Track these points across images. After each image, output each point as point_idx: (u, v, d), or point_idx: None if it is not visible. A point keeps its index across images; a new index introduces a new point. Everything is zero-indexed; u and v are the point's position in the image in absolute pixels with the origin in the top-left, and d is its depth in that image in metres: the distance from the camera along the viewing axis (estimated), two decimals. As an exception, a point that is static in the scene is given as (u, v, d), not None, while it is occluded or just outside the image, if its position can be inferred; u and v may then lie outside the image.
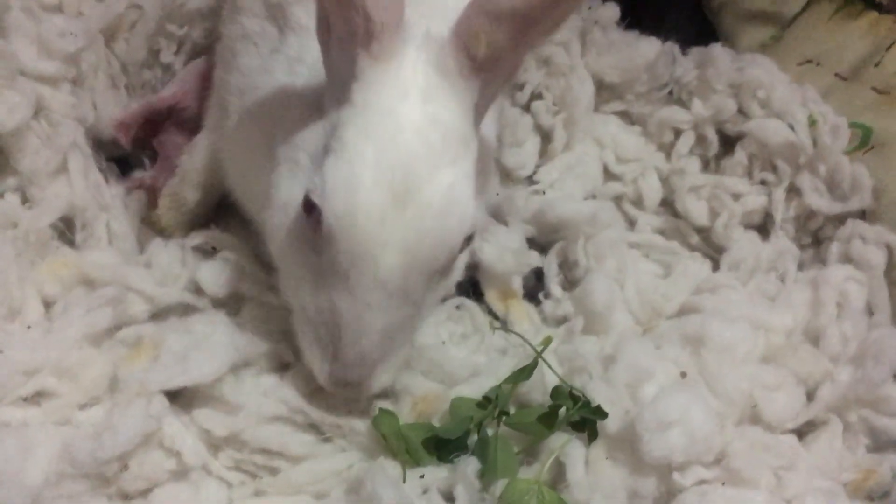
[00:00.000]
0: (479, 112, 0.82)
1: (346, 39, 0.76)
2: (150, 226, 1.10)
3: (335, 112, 0.79)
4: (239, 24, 0.97)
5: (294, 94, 0.87)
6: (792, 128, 1.24)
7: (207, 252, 1.02)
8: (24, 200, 1.02)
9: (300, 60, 0.89)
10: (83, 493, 0.78)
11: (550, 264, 1.18)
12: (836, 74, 1.30)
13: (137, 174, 1.17)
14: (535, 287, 1.17)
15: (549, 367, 0.98)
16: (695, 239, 1.28)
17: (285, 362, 0.95)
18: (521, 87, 1.33)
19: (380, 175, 0.74)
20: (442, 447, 0.88)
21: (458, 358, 0.98)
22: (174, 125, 1.18)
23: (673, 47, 1.35)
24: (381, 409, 0.88)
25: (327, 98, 0.82)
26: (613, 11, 1.38)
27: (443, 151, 0.77)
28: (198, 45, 1.24)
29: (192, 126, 1.15)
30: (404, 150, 0.75)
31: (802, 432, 1.00)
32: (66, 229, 1.03)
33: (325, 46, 0.80)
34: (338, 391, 0.84)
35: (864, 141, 1.21)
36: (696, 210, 1.27)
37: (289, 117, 0.85)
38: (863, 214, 1.17)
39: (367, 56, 0.76)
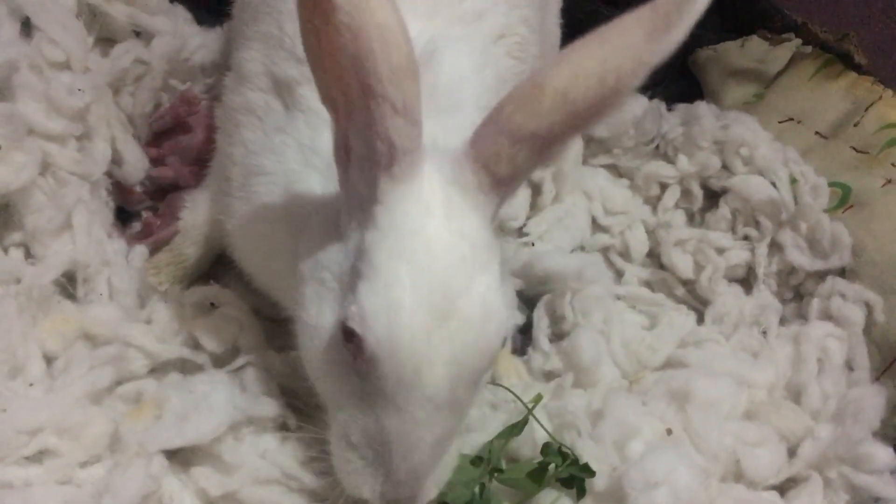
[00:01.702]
0: (497, 215, 0.84)
1: (366, 163, 0.76)
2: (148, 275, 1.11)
3: (357, 234, 0.79)
4: (242, 95, 0.98)
5: (315, 201, 0.87)
6: (774, 185, 1.29)
7: (206, 308, 1.05)
8: (28, 255, 1.04)
9: (314, 151, 0.89)
10: (83, 554, 0.79)
11: (540, 318, 1.21)
12: (817, 133, 1.35)
13: (137, 225, 1.20)
14: (522, 341, 1.20)
15: (541, 425, 1.00)
16: (680, 291, 1.32)
17: (285, 424, 0.97)
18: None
19: (418, 295, 0.74)
20: None
21: None
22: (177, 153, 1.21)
23: (659, 104, 1.39)
24: None
25: (345, 216, 0.82)
26: (601, 69, 1.42)
27: (473, 263, 0.78)
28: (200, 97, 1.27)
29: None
30: (438, 268, 0.76)
31: (784, 488, 1.03)
32: (68, 284, 1.04)
33: (344, 168, 0.80)
34: None
35: (843, 199, 1.25)
36: (682, 263, 1.31)
37: (309, 225, 0.86)
38: (842, 272, 1.21)
39: (389, 179, 0.76)
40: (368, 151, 0.75)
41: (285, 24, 0.96)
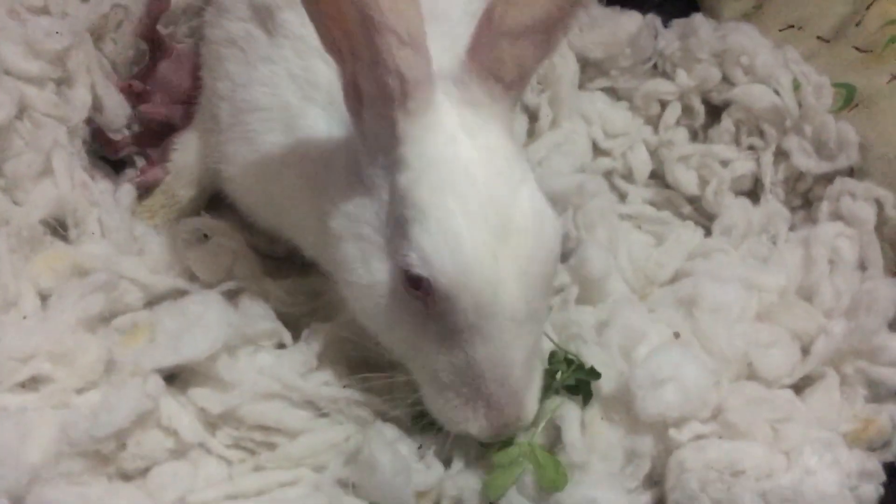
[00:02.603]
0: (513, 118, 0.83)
1: (380, 103, 0.75)
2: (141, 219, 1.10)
3: (386, 180, 0.78)
4: (222, 27, 0.96)
5: (323, 143, 0.85)
6: (777, 92, 1.25)
7: (199, 239, 1.03)
8: (14, 201, 1.03)
9: (309, 83, 0.87)
10: (82, 472, 0.79)
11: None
12: (819, 37, 1.31)
13: (131, 172, 1.19)
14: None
15: (546, 334, 0.98)
16: (686, 208, 1.29)
17: (281, 343, 0.96)
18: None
19: (472, 222, 0.74)
20: None
21: None
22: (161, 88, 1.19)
23: (654, 20, 1.36)
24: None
25: (366, 163, 0.80)
26: (594, -11, 1.40)
27: (511, 174, 0.77)
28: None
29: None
30: (482, 190, 0.75)
31: (800, 387, 1.00)
32: (60, 227, 1.03)
33: (356, 113, 0.78)
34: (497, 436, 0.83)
35: (848, 99, 1.21)
36: (686, 179, 1.28)
37: (326, 174, 0.84)
38: (851, 172, 1.18)
39: (406, 115, 0.75)
40: (380, 90, 0.74)
41: None
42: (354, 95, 0.77)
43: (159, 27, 1.18)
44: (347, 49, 0.74)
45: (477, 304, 0.75)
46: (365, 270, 0.81)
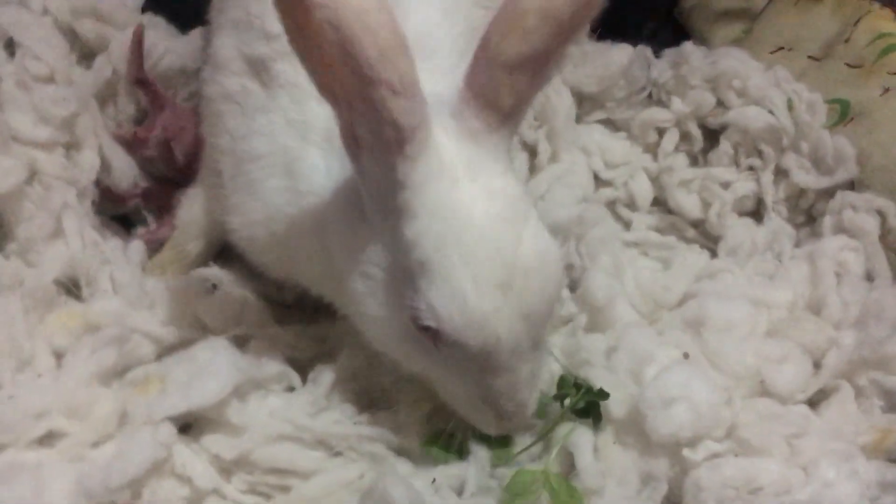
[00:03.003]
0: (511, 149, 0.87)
1: (378, 150, 0.76)
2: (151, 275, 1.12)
3: (388, 222, 0.79)
4: (219, 83, 0.98)
5: (324, 183, 0.88)
6: (771, 112, 1.26)
7: (208, 290, 1.05)
8: (27, 264, 1.05)
9: (306, 125, 0.89)
10: (99, 523, 0.79)
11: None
12: (809, 56, 1.32)
13: (141, 229, 1.22)
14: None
15: (556, 357, 0.99)
16: (690, 232, 1.30)
17: (290, 386, 0.97)
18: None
19: (477, 275, 0.76)
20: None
21: None
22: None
23: (645, 50, 1.38)
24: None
25: (369, 203, 0.82)
26: (583, 24, 1.42)
27: (514, 217, 0.79)
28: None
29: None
30: (487, 236, 0.77)
31: (814, 402, 0.99)
32: (73, 286, 1.06)
33: (356, 156, 0.80)
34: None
35: (843, 114, 1.23)
36: (689, 204, 1.29)
37: (330, 213, 0.87)
38: (851, 185, 1.18)
39: (404, 160, 0.76)
40: (377, 139, 0.75)
41: (251, 7, 0.97)
42: (352, 140, 0.79)
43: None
44: (343, 98, 0.76)
45: (483, 348, 0.79)
46: (376, 303, 0.83)
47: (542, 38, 0.74)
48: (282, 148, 0.91)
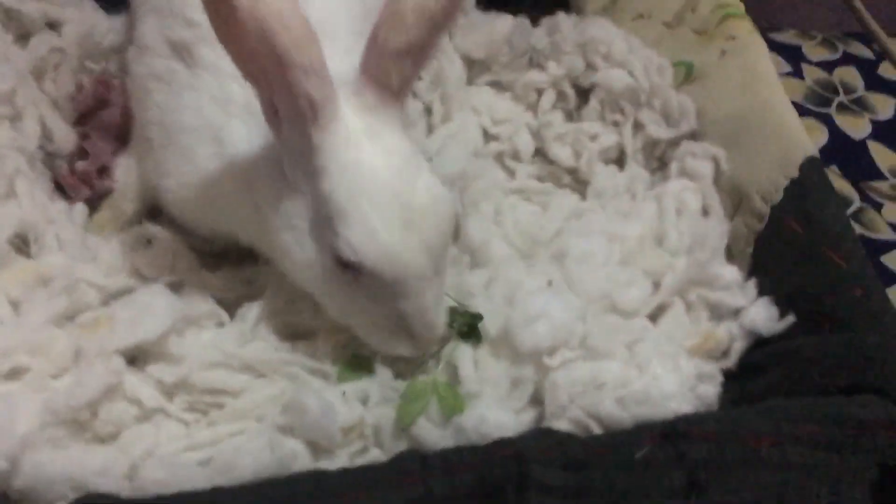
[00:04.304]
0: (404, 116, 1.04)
1: (295, 120, 0.93)
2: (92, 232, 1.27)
3: (307, 182, 0.97)
4: (145, 64, 1.12)
5: (247, 151, 1.05)
6: (631, 74, 1.46)
7: (143, 244, 1.21)
8: (-20, 223, 1.19)
9: (228, 100, 1.06)
10: (64, 438, 0.95)
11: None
12: (664, 23, 1.53)
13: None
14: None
15: (447, 294, 1.18)
16: (566, 179, 1.49)
17: (220, 321, 1.14)
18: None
19: (383, 215, 0.94)
20: None
21: None
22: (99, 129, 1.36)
23: (524, 20, 1.56)
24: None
25: (289, 167, 0.99)
26: (470, -3, 1.61)
27: (408, 169, 0.98)
28: (114, 75, 1.43)
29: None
30: (386, 187, 0.95)
31: (655, 316, 1.20)
32: (22, 244, 1.20)
33: (276, 127, 0.97)
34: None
35: (687, 75, 1.43)
36: (563, 154, 1.48)
37: (256, 178, 1.04)
38: (693, 136, 1.39)
39: (318, 129, 0.93)
40: (294, 111, 0.92)
41: None
42: (273, 113, 0.96)
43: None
44: (262, 79, 0.93)
45: (395, 274, 0.97)
46: (302, 253, 1.01)
47: (419, 32, 0.93)
48: (208, 121, 1.07)
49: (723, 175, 1.32)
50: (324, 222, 0.98)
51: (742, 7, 1.44)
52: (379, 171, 0.96)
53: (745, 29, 1.41)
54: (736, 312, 1.18)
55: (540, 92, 1.54)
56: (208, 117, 1.07)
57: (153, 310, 1.05)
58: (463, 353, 1.10)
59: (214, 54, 1.06)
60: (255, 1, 0.84)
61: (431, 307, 1.02)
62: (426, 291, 1.01)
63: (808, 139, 1.24)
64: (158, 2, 1.15)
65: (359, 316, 1.05)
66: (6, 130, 1.22)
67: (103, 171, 1.31)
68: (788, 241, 1.19)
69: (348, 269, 0.97)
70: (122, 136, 1.34)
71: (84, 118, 1.38)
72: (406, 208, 0.96)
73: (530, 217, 1.39)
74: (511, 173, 1.51)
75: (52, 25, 1.40)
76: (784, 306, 1.15)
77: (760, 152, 1.27)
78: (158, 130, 1.12)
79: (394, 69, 0.95)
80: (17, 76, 1.26)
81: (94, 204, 1.31)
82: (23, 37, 1.39)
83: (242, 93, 1.05)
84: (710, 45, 1.43)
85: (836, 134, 1.89)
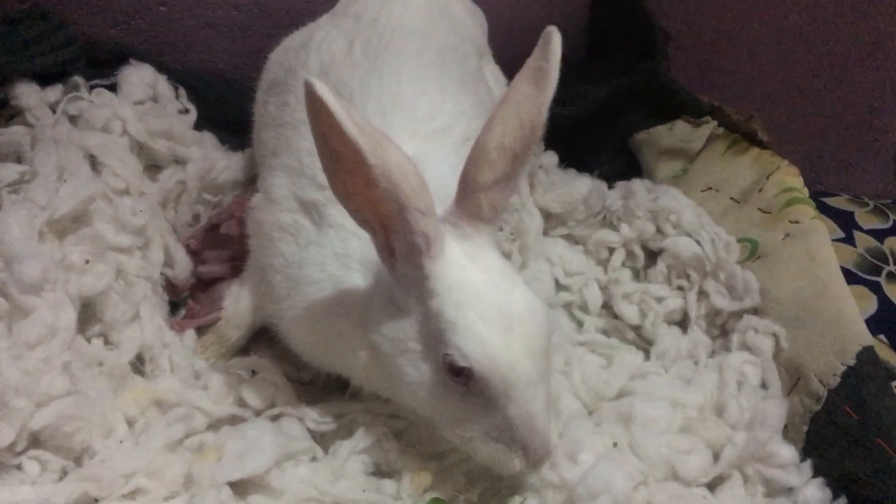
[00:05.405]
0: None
1: (409, 254, 1.05)
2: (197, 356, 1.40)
3: (418, 305, 1.09)
4: (273, 215, 1.24)
5: (361, 293, 1.17)
6: (699, 243, 1.58)
7: (248, 374, 1.33)
8: (107, 342, 1.32)
9: (348, 255, 1.18)
10: (176, 563, 1.06)
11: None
12: (731, 198, 1.64)
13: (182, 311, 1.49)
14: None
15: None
16: (630, 335, 1.59)
17: (314, 456, 1.25)
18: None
19: (488, 325, 1.05)
20: None
21: None
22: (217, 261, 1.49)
23: (601, 184, 1.70)
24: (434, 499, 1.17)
25: (400, 296, 1.10)
26: (553, 158, 1.75)
27: (504, 281, 1.08)
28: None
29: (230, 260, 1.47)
30: (489, 298, 1.06)
31: (713, 486, 1.28)
32: (138, 363, 1.33)
33: (390, 265, 1.09)
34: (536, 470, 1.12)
35: (752, 252, 1.54)
36: (629, 312, 1.59)
37: (368, 314, 1.14)
38: (755, 311, 1.49)
39: (430, 259, 1.05)
40: (410, 247, 1.05)
41: (303, 158, 1.26)
42: (387, 252, 1.09)
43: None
44: (378, 224, 1.06)
45: (503, 378, 1.05)
46: (415, 373, 1.11)
47: (503, 167, 1.06)
48: (330, 275, 1.19)
49: (782, 352, 1.41)
50: (434, 338, 1.08)
51: (806, 192, 1.55)
52: (480, 287, 1.07)
53: (809, 214, 1.50)
54: (790, 490, 1.26)
55: (611, 250, 1.66)
56: (330, 272, 1.20)
57: (261, 445, 1.16)
58: (532, 509, 1.19)
59: (339, 214, 1.19)
60: (383, 159, 0.98)
61: (540, 414, 1.08)
62: (534, 397, 1.07)
63: (865, 329, 1.33)
64: (290, 161, 1.28)
65: (471, 429, 1.11)
66: (137, 259, 1.36)
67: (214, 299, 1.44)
68: (843, 426, 1.27)
69: (459, 377, 1.06)
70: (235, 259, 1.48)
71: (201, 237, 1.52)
72: (506, 316, 1.06)
73: (597, 371, 1.49)
74: (579, 324, 1.62)
75: (178, 161, 1.56)
76: (836, 489, 1.23)
77: (819, 336, 1.35)
78: (283, 280, 1.24)
79: (484, 201, 1.08)
80: (150, 209, 1.41)
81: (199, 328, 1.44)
82: (150, 167, 1.55)
83: (360, 247, 1.18)
84: (774, 225, 1.53)
85: (884, 302, 1.97)
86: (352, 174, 1.00)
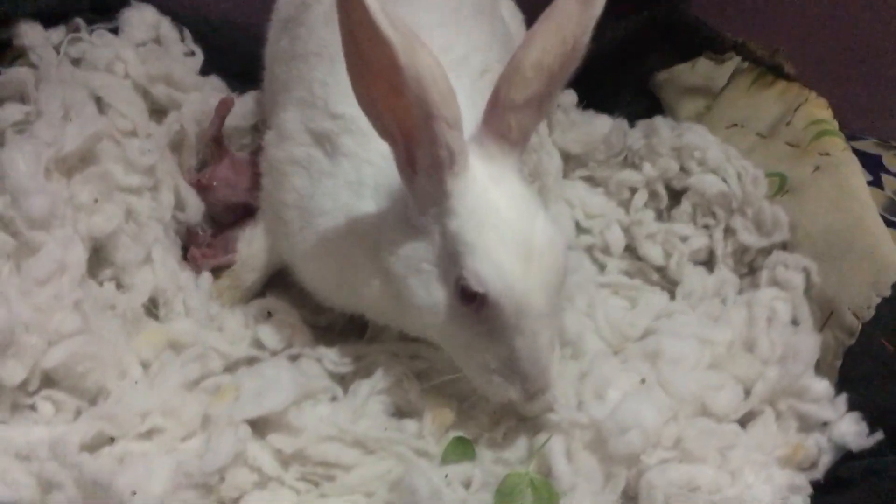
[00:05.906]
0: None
1: (432, 169, 1.02)
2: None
3: (436, 224, 1.05)
4: (285, 150, 1.21)
5: (373, 217, 1.13)
6: (724, 180, 1.53)
7: (265, 316, 1.30)
8: (119, 286, 1.29)
9: (360, 183, 1.14)
10: (195, 500, 1.02)
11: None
12: (757, 133, 1.59)
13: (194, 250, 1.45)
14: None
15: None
16: (654, 276, 1.55)
17: (334, 396, 1.22)
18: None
19: (507, 250, 1.02)
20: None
21: None
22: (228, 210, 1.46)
23: (622, 122, 1.65)
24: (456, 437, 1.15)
25: (417, 215, 1.07)
26: (572, 97, 1.70)
27: (528, 209, 1.05)
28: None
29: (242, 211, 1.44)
30: (511, 224, 1.03)
31: (744, 422, 1.24)
32: (152, 307, 1.30)
33: (409, 179, 1.05)
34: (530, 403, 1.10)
35: (780, 186, 1.49)
36: (653, 253, 1.54)
37: (387, 233, 1.11)
38: (784, 246, 1.44)
39: (452, 176, 1.02)
40: (433, 160, 1.01)
41: (315, 89, 1.22)
42: (407, 165, 1.05)
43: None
44: (400, 135, 1.02)
45: (516, 307, 1.03)
46: (426, 294, 1.08)
47: (539, 86, 1.01)
48: (343, 204, 1.16)
49: (813, 287, 1.37)
50: (450, 259, 1.05)
51: (836, 124, 1.50)
52: (503, 211, 1.04)
53: (839, 146, 1.46)
54: (824, 425, 1.22)
55: (633, 190, 1.62)
56: (343, 201, 1.16)
57: (279, 383, 1.13)
58: (556, 447, 1.15)
59: (353, 142, 1.16)
60: (414, 60, 0.93)
61: (545, 349, 1.07)
62: (542, 331, 1.05)
63: (900, 259, 1.29)
64: (301, 94, 1.24)
65: (475, 356, 1.09)
66: (147, 201, 1.33)
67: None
68: (878, 358, 1.23)
69: (472, 302, 1.03)
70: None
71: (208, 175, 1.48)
72: (527, 245, 1.03)
73: (620, 312, 1.45)
74: (601, 267, 1.58)
75: (177, 106, 1.52)
76: (872, 422, 1.19)
77: (853, 269, 1.31)
78: (297, 214, 1.21)
79: (514, 121, 1.04)
80: (158, 150, 1.37)
81: (214, 272, 1.41)
82: (156, 111, 1.51)
83: (373, 173, 1.14)
84: (803, 159, 1.48)
85: (915, 244, 1.92)
86: (379, 77, 0.96)
